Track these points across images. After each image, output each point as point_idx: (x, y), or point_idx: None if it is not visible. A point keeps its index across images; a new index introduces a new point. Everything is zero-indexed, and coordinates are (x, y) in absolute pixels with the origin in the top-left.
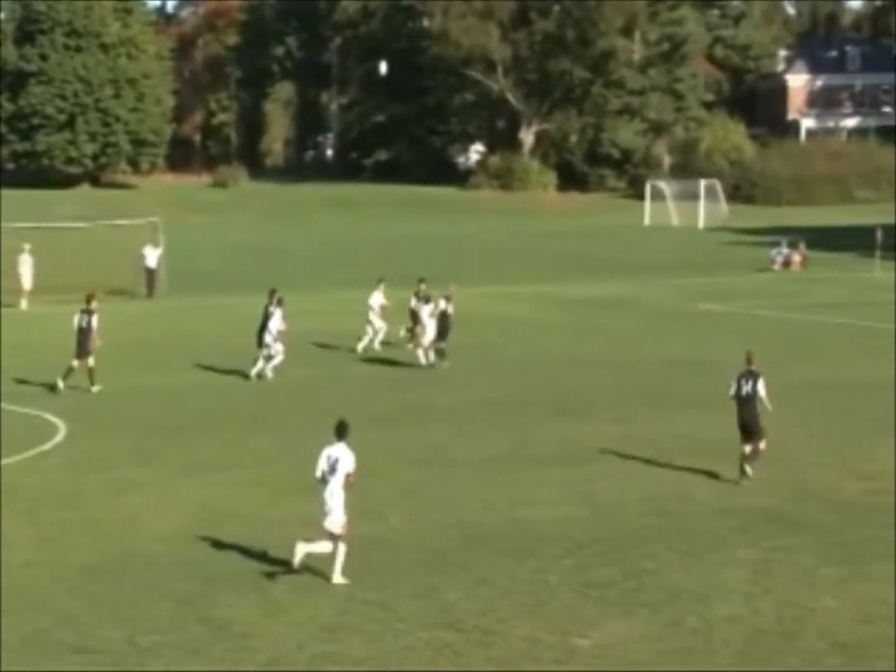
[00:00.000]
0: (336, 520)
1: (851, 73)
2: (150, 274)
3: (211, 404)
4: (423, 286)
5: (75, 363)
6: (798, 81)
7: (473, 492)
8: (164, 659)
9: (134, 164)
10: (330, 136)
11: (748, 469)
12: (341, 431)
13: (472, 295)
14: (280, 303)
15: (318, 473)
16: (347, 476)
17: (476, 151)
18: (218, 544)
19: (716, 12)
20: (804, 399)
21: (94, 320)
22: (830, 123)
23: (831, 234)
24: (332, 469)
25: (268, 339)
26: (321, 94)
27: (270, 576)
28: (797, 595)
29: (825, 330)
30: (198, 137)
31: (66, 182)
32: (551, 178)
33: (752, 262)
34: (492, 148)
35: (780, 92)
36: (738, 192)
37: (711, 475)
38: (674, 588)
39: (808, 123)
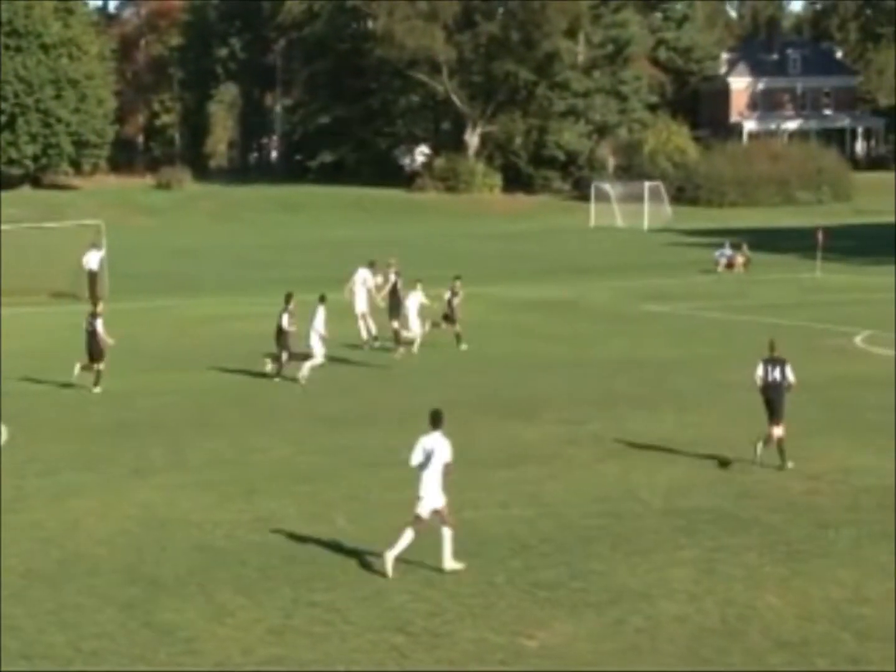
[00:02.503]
0: (427, 505)
1: (792, 76)
2: (93, 277)
3: (155, 407)
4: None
5: (93, 365)
6: (740, 84)
7: None
8: (108, 664)
9: (76, 166)
10: (274, 137)
11: (789, 464)
12: (436, 420)
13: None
14: (288, 301)
15: (415, 462)
16: (447, 466)
17: (421, 153)
18: (162, 548)
19: (659, 15)
20: (746, 399)
21: (100, 324)
22: (772, 125)
23: (773, 235)
24: (428, 458)
25: (312, 340)
26: (265, 95)
27: (218, 579)
28: (741, 594)
29: (768, 331)
30: (141, 139)
31: (7, 183)
32: (496, 180)
33: (695, 263)
34: (437, 150)
35: (723, 94)
36: (682, 194)
37: (656, 475)
38: (619, 588)
39: (750, 125)
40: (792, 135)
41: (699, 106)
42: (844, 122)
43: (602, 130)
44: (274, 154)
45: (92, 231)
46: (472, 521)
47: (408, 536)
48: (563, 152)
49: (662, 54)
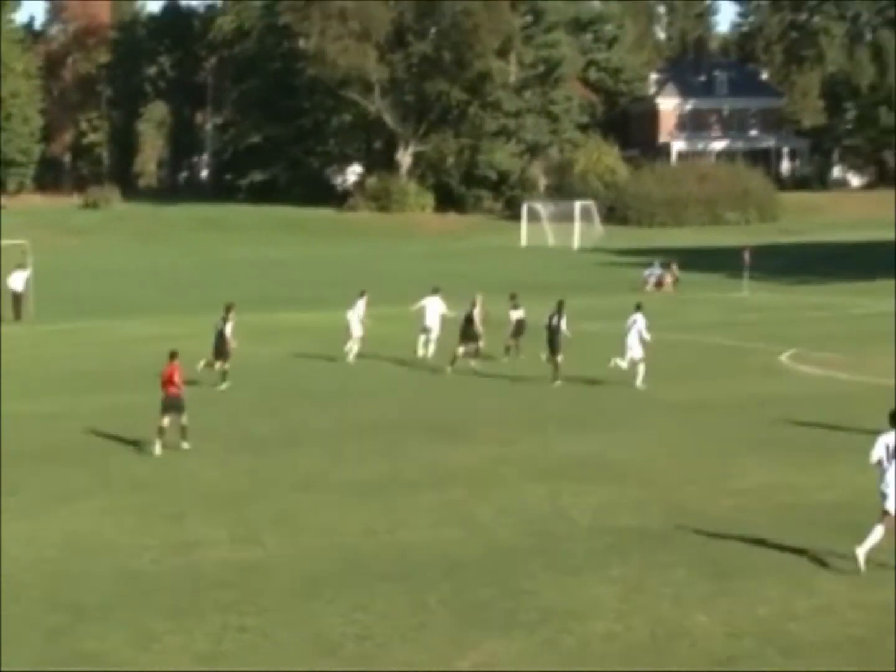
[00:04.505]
0: (893, 500)
1: (719, 97)
2: (17, 298)
3: (80, 430)
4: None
5: (216, 364)
6: (669, 105)
7: (350, 516)
8: None
9: (1, 185)
10: (205, 156)
11: None
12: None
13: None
14: (560, 307)
15: (874, 459)
16: None
17: (353, 172)
18: (87, 574)
19: (589, 36)
20: (674, 418)
21: (230, 327)
22: (700, 146)
23: (702, 254)
24: (891, 456)
25: (633, 341)
26: (195, 113)
27: (145, 604)
28: (669, 611)
29: (696, 350)
30: (68, 157)
31: None
32: (429, 199)
33: (626, 282)
34: (369, 169)
35: (652, 115)
36: (613, 214)
37: (585, 494)
38: (550, 607)
39: (678, 146)
40: (719, 155)
41: (629, 126)
42: (770, 142)
43: (533, 150)
44: (204, 173)
45: (17, 251)
46: (403, 542)
47: (877, 533)
48: (495, 172)
49: (593, 75)
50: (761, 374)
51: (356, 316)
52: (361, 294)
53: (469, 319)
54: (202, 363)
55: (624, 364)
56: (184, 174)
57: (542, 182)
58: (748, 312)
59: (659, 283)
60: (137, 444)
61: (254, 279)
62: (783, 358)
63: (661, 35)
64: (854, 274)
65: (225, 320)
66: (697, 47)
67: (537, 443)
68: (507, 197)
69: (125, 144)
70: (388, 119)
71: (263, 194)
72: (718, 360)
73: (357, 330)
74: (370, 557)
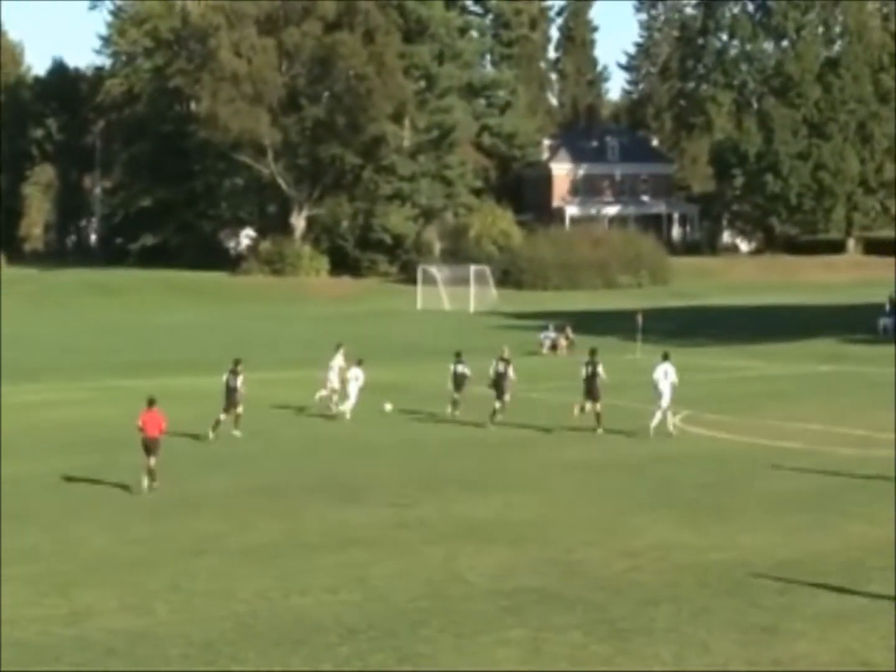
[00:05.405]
0: None
1: (611, 163)
2: None
3: None
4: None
5: (223, 416)
6: (561, 170)
7: (245, 581)
8: None
9: None
10: (94, 220)
11: None
12: None
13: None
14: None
15: None
16: None
17: (247, 236)
18: None
19: (482, 101)
20: (571, 478)
21: (240, 380)
22: (593, 211)
23: (595, 317)
24: None
25: (663, 388)
26: (84, 177)
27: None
28: None
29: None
30: None
31: None
32: (323, 263)
33: (521, 345)
34: (263, 233)
35: (545, 180)
36: (507, 277)
37: (482, 557)
38: (447, 670)
39: (572, 211)
40: (612, 220)
41: (522, 191)
42: (661, 208)
43: (428, 214)
44: (93, 237)
45: None
46: (299, 607)
47: None
48: (390, 235)
49: (486, 140)
50: (655, 435)
51: (335, 368)
52: (337, 347)
53: (501, 374)
54: (212, 430)
55: (660, 415)
56: (72, 238)
57: (437, 246)
58: (641, 374)
59: (554, 346)
60: (23, 513)
61: (145, 344)
62: (676, 420)
63: (554, 101)
64: (744, 337)
65: (235, 374)
66: (589, 114)
67: (436, 504)
68: (403, 261)
69: (10, 208)
70: (282, 182)
71: (154, 258)
72: (613, 421)
73: (334, 381)
74: (265, 623)
